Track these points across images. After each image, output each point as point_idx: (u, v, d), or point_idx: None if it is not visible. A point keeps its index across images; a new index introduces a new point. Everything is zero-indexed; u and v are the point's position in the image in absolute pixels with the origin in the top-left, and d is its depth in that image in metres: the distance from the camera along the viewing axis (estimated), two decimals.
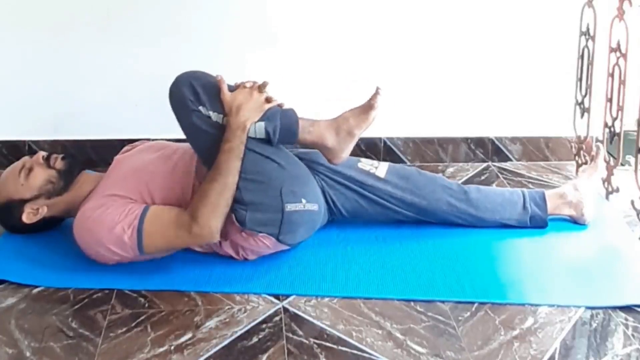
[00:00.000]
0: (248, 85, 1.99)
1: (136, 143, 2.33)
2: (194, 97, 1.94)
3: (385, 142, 2.85)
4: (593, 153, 2.45)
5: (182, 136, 2.71)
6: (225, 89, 1.97)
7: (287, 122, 2.01)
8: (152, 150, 2.18)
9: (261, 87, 1.99)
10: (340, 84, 2.76)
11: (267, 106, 1.99)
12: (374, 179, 2.19)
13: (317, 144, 2.07)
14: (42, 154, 2.12)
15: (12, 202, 2.08)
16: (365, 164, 2.24)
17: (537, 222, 2.25)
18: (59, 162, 2.11)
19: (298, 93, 2.77)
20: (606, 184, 2.52)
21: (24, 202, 2.08)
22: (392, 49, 2.77)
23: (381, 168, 2.23)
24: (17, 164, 2.12)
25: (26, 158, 2.13)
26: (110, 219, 1.94)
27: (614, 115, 2.42)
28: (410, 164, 2.86)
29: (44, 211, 2.09)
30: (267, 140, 2.00)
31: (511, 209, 2.24)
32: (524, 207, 2.24)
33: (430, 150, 2.88)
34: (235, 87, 2.00)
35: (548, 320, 1.85)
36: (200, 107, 1.95)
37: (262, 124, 1.97)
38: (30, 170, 2.08)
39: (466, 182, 2.70)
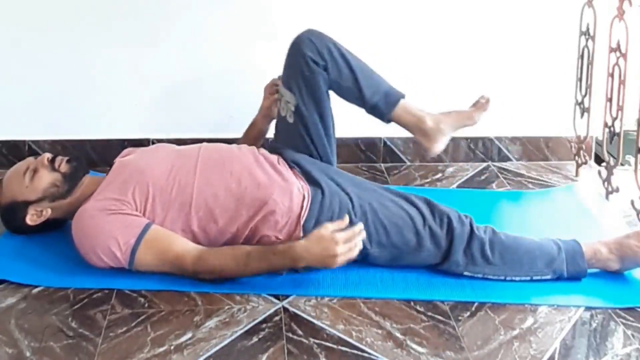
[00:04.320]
0: (338, 246, 1.85)
1: (134, 149, 2.31)
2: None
3: (385, 142, 2.85)
4: (483, 101, 2.26)
5: (183, 136, 2.72)
6: (333, 226, 1.88)
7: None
8: (156, 152, 2.17)
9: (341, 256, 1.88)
10: None
11: (331, 265, 1.88)
12: None
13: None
14: (47, 155, 2.11)
15: (15, 203, 2.08)
16: None
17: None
18: (64, 165, 2.10)
19: None
20: (606, 184, 2.52)
21: (28, 204, 2.07)
22: (391, 48, 2.77)
23: None
24: (22, 165, 2.11)
25: (30, 159, 2.12)
26: (109, 229, 1.94)
27: (614, 115, 2.42)
28: (410, 163, 2.86)
29: (47, 214, 2.09)
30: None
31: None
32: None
33: None
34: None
35: (548, 320, 1.85)
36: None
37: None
38: (35, 172, 2.07)
39: (466, 182, 2.71)
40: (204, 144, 2.19)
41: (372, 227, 1.99)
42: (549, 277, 1.99)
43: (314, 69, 2.12)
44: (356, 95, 2.15)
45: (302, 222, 1.97)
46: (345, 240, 1.86)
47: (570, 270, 1.98)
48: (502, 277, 1.99)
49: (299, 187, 2.03)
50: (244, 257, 1.92)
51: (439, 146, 2.19)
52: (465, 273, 2.00)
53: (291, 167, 2.11)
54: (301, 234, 1.96)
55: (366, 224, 1.98)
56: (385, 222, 2.00)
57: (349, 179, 2.15)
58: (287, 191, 2.00)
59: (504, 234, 2.01)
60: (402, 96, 2.18)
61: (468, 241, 1.98)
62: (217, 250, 1.95)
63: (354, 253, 1.88)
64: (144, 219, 1.97)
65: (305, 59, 2.12)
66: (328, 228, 1.87)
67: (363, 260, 2.01)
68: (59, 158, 2.11)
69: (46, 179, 2.07)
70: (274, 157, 2.13)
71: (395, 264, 2.03)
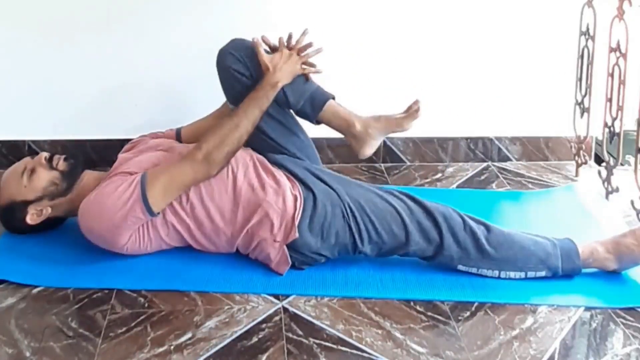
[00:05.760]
0: (283, 56, 2.09)
1: (137, 140, 2.33)
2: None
3: (385, 142, 2.84)
4: (415, 108, 2.20)
5: None
6: (261, 51, 2.08)
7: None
8: (159, 149, 2.18)
9: (300, 51, 2.11)
10: (339, 82, 2.76)
11: (301, 72, 2.11)
12: None
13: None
14: (44, 154, 2.11)
15: (15, 203, 2.08)
16: None
17: None
18: (61, 163, 2.10)
19: None
20: (606, 184, 2.52)
21: (27, 203, 2.07)
22: (391, 48, 2.77)
23: None
24: (19, 165, 2.11)
25: (27, 159, 2.13)
26: (112, 186, 1.95)
27: (614, 115, 2.42)
28: (410, 163, 2.86)
29: (47, 212, 2.09)
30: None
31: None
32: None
33: (430, 150, 2.88)
34: (272, 48, 2.13)
35: (548, 320, 1.85)
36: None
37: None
38: (33, 171, 2.07)
39: (466, 182, 2.71)
40: None
41: (362, 225, 2.00)
42: (543, 273, 1.99)
43: (242, 81, 2.11)
44: (282, 100, 2.13)
45: (296, 223, 1.98)
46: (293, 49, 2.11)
47: (565, 267, 1.98)
48: (497, 273, 1.99)
49: (291, 188, 2.04)
50: (232, 114, 2.03)
51: (368, 150, 2.21)
52: (459, 267, 2.00)
53: (279, 169, 2.11)
54: (297, 235, 1.97)
55: (355, 221, 2.00)
56: (373, 219, 2.01)
57: (334, 176, 2.15)
58: (279, 193, 2.01)
59: (499, 229, 2.02)
60: (330, 97, 2.18)
61: (461, 234, 1.98)
62: (212, 129, 2.02)
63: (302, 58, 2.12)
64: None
65: (232, 73, 2.11)
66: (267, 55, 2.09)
67: (354, 254, 2.04)
68: (56, 156, 2.12)
69: (44, 177, 2.07)
70: (264, 159, 2.13)
71: (387, 256, 2.05)
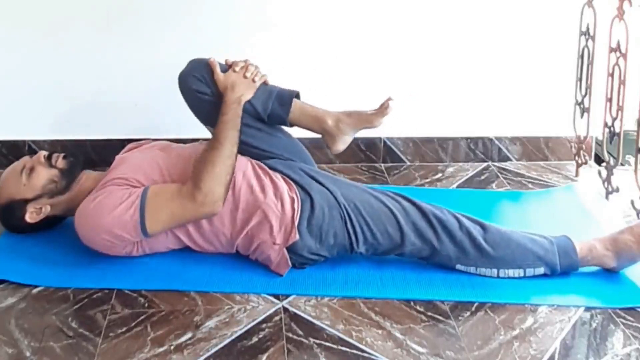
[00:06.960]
0: (237, 69, 2.10)
1: (140, 142, 2.33)
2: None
3: (385, 142, 2.85)
4: (386, 105, 2.17)
5: (183, 136, 2.72)
6: (217, 69, 2.09)
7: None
8: (155, 149, 2.19)
9: (248, 70, 2.10)
10: (339, 81, 2.77)
11: (258, 84, 2.11)
12: None
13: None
14: (43, 153, 2.12)
15: (14, 202, 2.08)
16: None
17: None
18: (60, 161, 2.11)
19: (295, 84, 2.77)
20: (606, 184, 2.52)
21: (26, 202, 2.07)
22: (391, 48, 2.77)
23: None
24: (18, 164, 2.12)
25: (26, 158, 2.13)
26: (112, 202, 1.94)
27: (614, 115, 2.42)
28: (410, 163, 2.86)
29: (46, 210, 2.09)
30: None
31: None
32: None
33: (430, 150, 2.88)
34: (227, 66, 2.12)
35: (548, 320, 1.85)
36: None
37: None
38: (32, 170, 2.07)
39: (466, 182, 2.71)
40: (201, 142, 2.19)
41: (358, 227, 2.00)
42: (542, 270, 1.99)
43: (207, 100, 2.10)
44: (251, 111, 2.12)
45: (296, 224, 1.98)
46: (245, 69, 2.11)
47: (563, 263, 1.99)
48: (496, 272, 1.99)
49: (288, 191, 2.04)
50: (214, 145, 1.99)
51: (340, 145, 2.21)
52: (458, 266, 2.01)
53: (275, 172, 2.11)
54: (297, 237, 1.97)
55: (351, 223, 2.00)
56: (368, 220, 2.01)
57: (329, 177, 2.15)
58: (278, 196, 2.01)
59: (495, 228, 2.03)
60: (295, 92, 2.17)
61: (458, 234, 1.99)
62: (198, 163, 1.98)
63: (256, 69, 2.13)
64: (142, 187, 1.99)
65: (196, 95, 2.11)
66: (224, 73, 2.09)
67: (351, 253, 2.04)
68: (55, 155, 2.12)
69: (44, 175, 2.07)
70: (261, 162, 2.13)
71: (383, 256, 2.05)
